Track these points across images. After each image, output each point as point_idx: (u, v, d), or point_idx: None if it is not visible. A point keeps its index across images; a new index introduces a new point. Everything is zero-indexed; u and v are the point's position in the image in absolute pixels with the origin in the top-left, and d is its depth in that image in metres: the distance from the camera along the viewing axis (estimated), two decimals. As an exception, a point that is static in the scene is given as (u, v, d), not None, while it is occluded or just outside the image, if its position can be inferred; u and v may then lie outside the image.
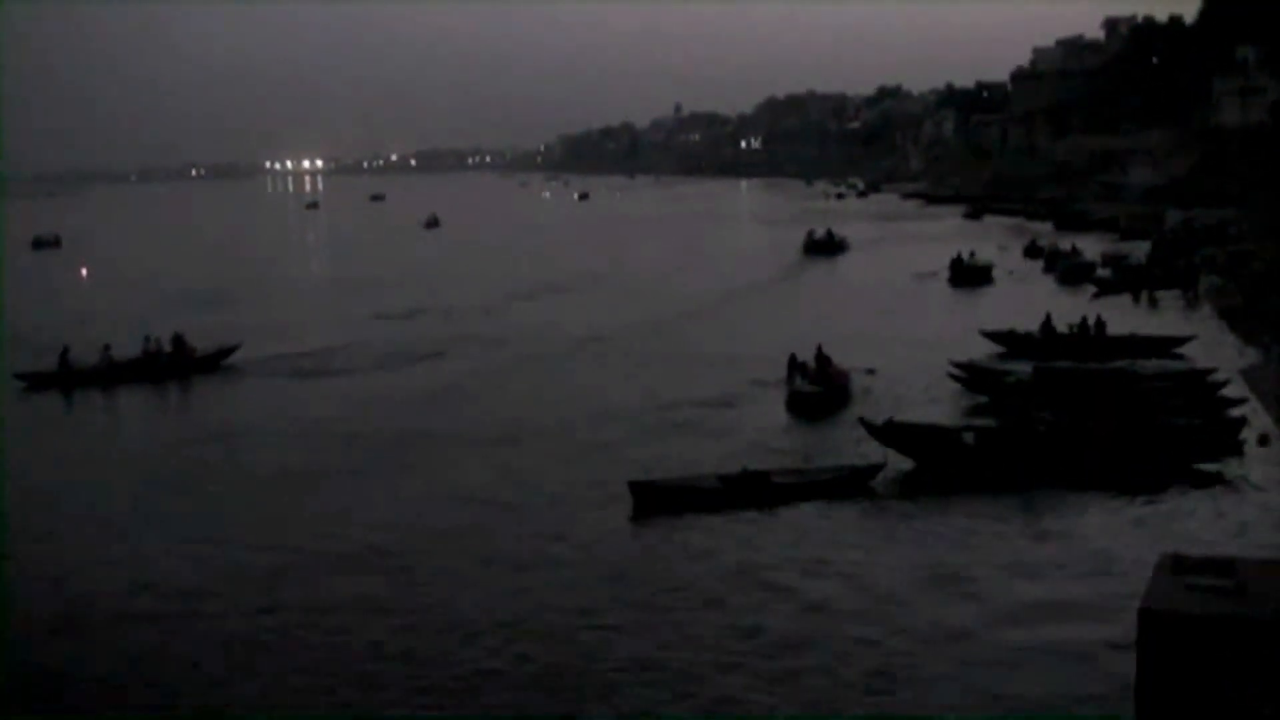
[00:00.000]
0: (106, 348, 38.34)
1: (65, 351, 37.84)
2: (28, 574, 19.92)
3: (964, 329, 39.26)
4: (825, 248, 74.24)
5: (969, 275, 56.70)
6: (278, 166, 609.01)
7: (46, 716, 15.29)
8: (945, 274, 57.59)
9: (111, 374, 37.60)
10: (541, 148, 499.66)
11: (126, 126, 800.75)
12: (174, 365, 38.40)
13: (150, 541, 21.37)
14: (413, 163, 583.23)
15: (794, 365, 31.73)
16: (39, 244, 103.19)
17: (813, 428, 28.82)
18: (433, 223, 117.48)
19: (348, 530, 21.66)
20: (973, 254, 59.06)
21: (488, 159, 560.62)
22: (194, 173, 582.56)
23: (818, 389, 30.78)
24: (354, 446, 28.04)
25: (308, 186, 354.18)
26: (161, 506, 23.69)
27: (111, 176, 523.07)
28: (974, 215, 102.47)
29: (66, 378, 37.16)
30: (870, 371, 32.40)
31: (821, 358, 31.83)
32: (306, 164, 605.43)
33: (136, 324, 43.67)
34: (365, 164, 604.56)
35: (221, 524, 22.38)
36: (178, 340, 39.22)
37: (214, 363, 39.31)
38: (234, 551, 20.70)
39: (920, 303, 51.34)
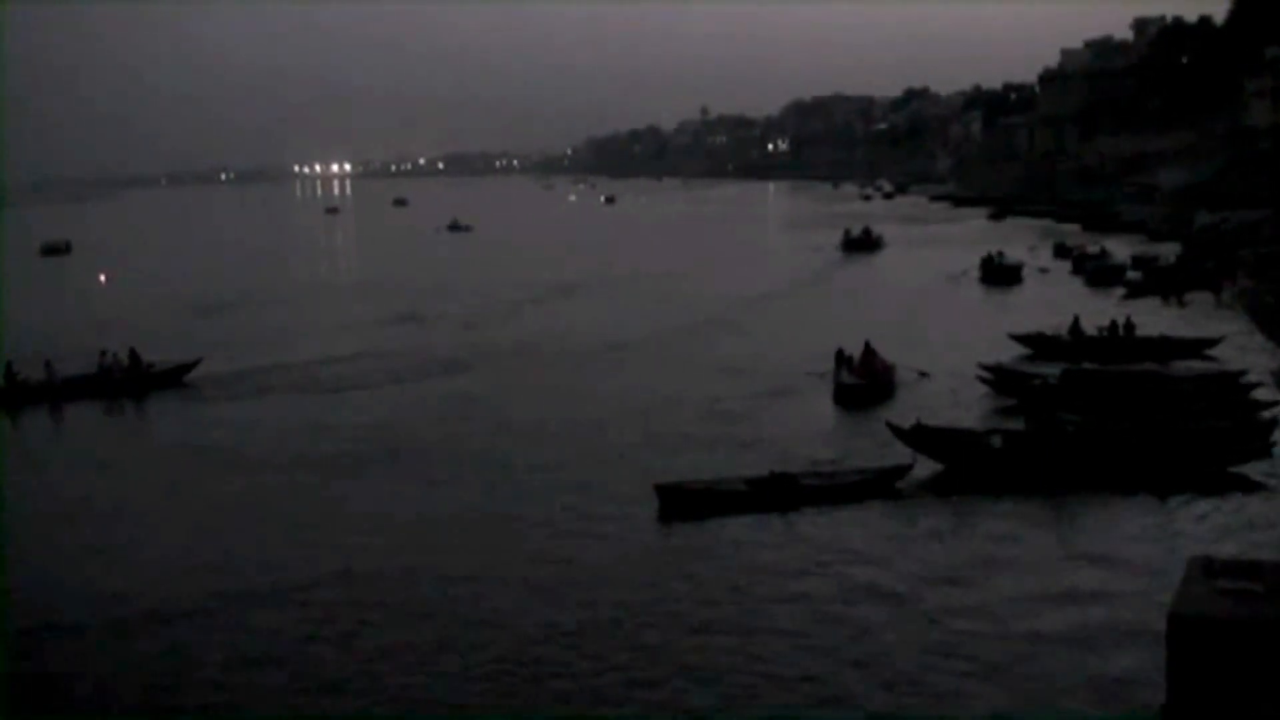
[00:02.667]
0: (49, 364, 35.93)
1: (8, 368, 35.50)
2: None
3: (994, 330, 39.12)
4: (863, 245, 77.56)
5: (999, 274, 57.50)
6: (306, 171, 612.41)
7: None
8: (976, 273, 58.41)
9: (62, 391, 35.41)
10: (569, 151, 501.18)
11: (158, 132, 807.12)
12: (130, 382, 36.28)
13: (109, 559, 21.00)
14: (440, 166, 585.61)
15: (840, 359, 32.54)
16: (48, 250, 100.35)
17: (853, 424, 28.95)
18: (454, 227, 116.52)
19: (336, 539, 21.46)
20: (1001, 254, 59.68)
21: (515, 162, 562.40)
22: (223, 177, 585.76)
23: (860, 382, 31.62)
24: (340, 461, 27.07)
25: (336, 190, 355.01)
26: (108, 528, 22.87)
27: (142, 181, 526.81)
28: (998, 216, 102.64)
29: (11, 395, 34.81)
30: (924, 375, 32.94)
31: (867, 352, 32.69)
32: (335, 168, 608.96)
33: (127, 333, 42.76)
34: (393, 168, 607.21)
35: (221, 537, 22.35)
36: (134, 355, 37.14)
37: (173, 378, 37.04)
38: (236, 562, 20.58)
39: (952, 302, 51.79)
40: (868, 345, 33.03)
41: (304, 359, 40.73)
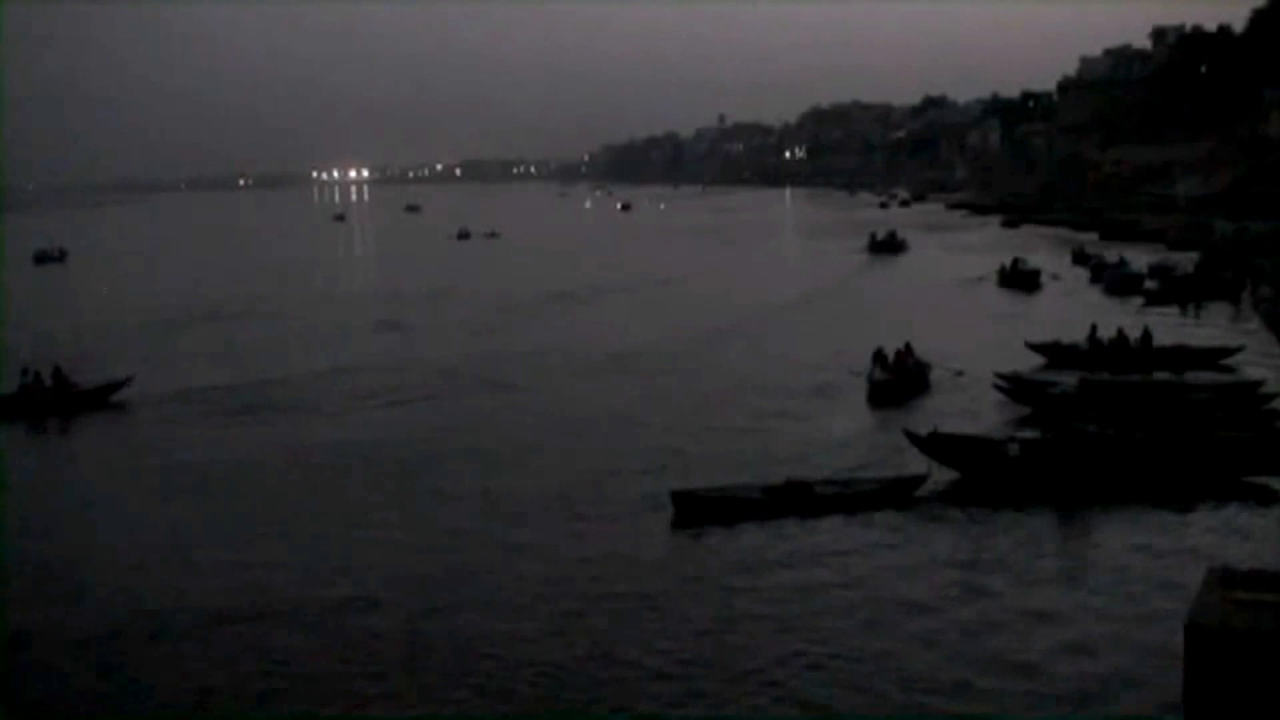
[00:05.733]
0: None
1: None
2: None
3: (1011, 337, 39.03)
4: (888, 247, 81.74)
5: (1018, 280, 58.11)
6: (325, 176, 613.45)
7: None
8: (994, 278, 59.14)
9: None
10: (586, 157, 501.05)
11: (179, 138, 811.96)
12: (54, 401, 34.03)
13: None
14: (458, 172, 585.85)
15: (877, 357, 33.58)
16: (41, 258, 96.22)
17: (879, 429, 28.95)
18: (464, 234, 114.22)
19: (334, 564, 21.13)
20: (1021, 260, 60.53)
21: (532, 169, 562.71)
22: (242, 182, 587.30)
23: (890, 378, 32.69)
24: (307, 478, 26.06)
25: (354, 196, 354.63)
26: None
27: (162, 187, 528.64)
28: (1012, 224, 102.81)
29: None
30: (959, 373, 33.65)
31: (901, 351, 33.86)
32: (353, 174, 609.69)
33: (93, 346, 42.59)
34: (411, 174, 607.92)
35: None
36: (58, 374, 34.83)
37: (100, 398, 34.97)
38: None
39: (972, 307, 52.18)
40: (907, 345, 34.14)
41: (274, 374, 38.74)
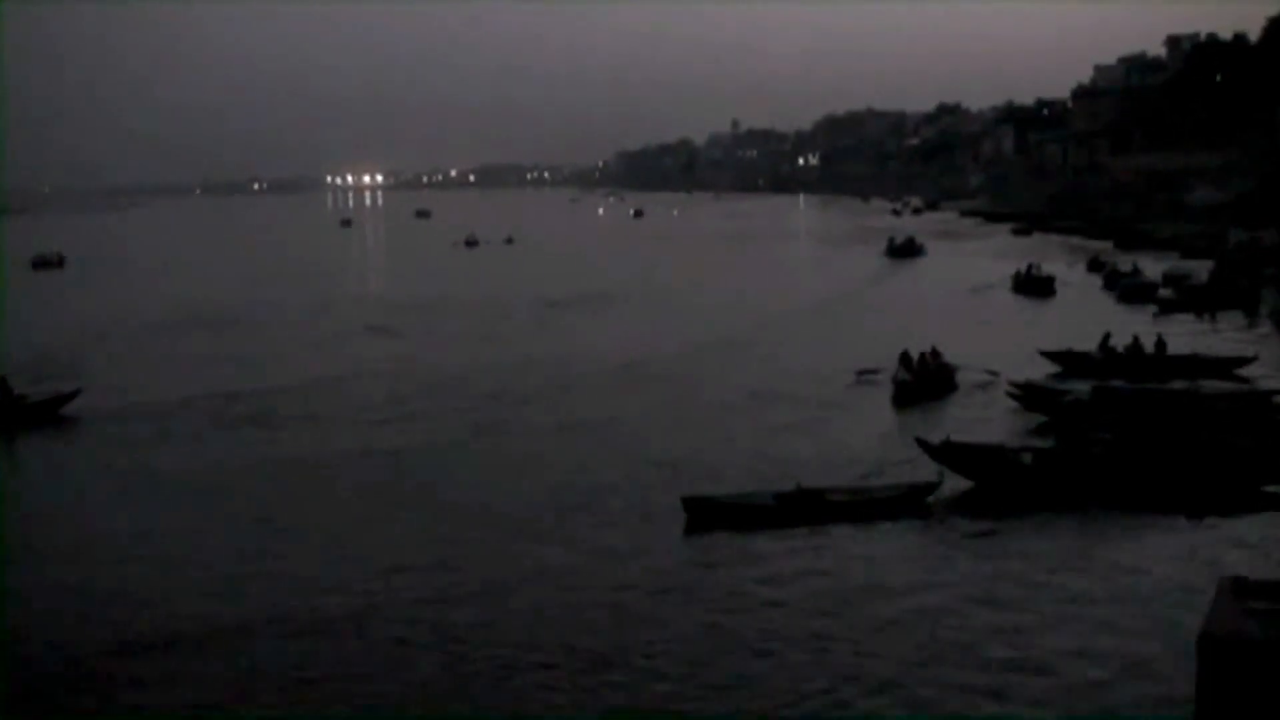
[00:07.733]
0: None
1: None
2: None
3: (1025, 344, 38.97)
4: (906, 251, 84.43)
5: (1033, 286, 58.49)
6: (339, 181, 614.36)
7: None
8: (1007, 283, 59.84)
9: None
10: (600, 164, 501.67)
11: (194, 142, 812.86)
12: (1, 415, 32.72)
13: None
14: (472, 178, 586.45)
15: (903, 359, 34.42)
16: (39, 264, 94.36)
17: (898, 433, 28.84)
18: (471, 242, 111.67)
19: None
20: (1036, 266, 60.91)
21: (546, 175, 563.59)
22: (256, 187, 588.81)
23: (911, 380, 33.52)
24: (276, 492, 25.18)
25: (367, 201, 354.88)
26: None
27: (176, 191, 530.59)
28: (1023, 232, 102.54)
29: None
30: (993, 374, 34.22)
31: (925, 353, 34.63)
32: (367, 179, 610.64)
33: (86, 354, 42.29)
34: (425, 179, 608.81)
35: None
36: (4, 386, 33.57)
37: (48, 410, 33.64)
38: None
39: (986, 314, 52.40)
40: (933, 348, 34.81)
41: (256, 384, 37.58)
